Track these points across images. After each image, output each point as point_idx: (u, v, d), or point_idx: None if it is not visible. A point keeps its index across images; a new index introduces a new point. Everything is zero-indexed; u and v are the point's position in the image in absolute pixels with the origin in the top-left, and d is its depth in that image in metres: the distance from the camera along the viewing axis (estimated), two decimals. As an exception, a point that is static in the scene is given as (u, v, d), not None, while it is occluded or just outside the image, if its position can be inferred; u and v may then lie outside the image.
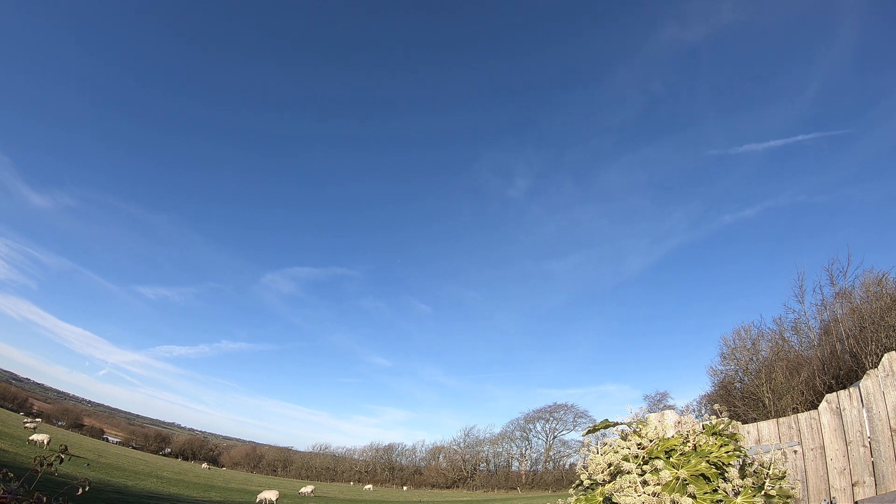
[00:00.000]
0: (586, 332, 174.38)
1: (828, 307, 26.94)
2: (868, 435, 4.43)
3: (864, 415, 4.48)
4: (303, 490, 43.89)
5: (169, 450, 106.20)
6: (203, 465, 77.21)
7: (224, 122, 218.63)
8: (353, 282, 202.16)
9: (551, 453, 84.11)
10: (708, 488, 2.53)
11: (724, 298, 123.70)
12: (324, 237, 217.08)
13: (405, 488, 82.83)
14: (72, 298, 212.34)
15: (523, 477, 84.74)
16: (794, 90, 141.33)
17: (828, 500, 4.52)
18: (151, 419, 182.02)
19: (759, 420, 14.34)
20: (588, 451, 3.21)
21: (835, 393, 4.81)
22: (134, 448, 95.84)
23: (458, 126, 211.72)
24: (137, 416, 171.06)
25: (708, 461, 2.66)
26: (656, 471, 2.66)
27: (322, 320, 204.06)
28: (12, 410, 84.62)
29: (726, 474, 2.57)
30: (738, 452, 2.69)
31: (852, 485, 4.42)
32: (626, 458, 2.87)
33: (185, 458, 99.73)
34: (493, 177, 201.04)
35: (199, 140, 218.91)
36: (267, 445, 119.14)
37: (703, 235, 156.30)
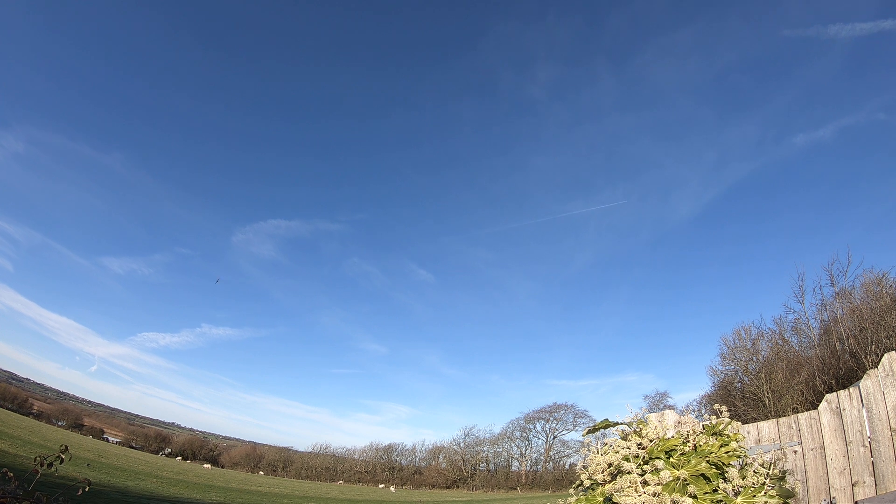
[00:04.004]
0: (614, 304, 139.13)
1: (828, 307, 26.96)
2: (868, 435, 4.42)
3: (864, 415, 4.48)
4: None
5: (169, 450, 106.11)
6: (208, 466, 77.11)
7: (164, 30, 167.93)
8: (340, 239, 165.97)
9: (551, 453, 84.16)
10: (708, 488, 2.53)
11: (724, 298, 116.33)
12: (298, 164, 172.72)
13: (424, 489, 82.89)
14: (48, 280, 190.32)
15: (523, 477, 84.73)
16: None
17: (828, 500, 4.52)
18: (151, 419, 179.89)
19: (759, 420, 14.33)
20: (588, 451, 3.20)
21: (835, 393, 4.81)
22: (134, 448, 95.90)
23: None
24: (137, 415, 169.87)
25: (708, 461, 2.66)
26: (656, 471, 2.66)
27: (308, 295, 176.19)
28: (12, 410, 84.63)
29: (726, 474, 2.57)
30: (738, 452, 2.69)
31: (852, 485, 4.41)
32: (626, 458, 2.87)
33: (185, 458, 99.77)
34: (505, 66, 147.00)
35: (147, 62, 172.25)
36: (267, 445, 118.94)
37: (768, 164, 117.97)
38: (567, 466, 78.84)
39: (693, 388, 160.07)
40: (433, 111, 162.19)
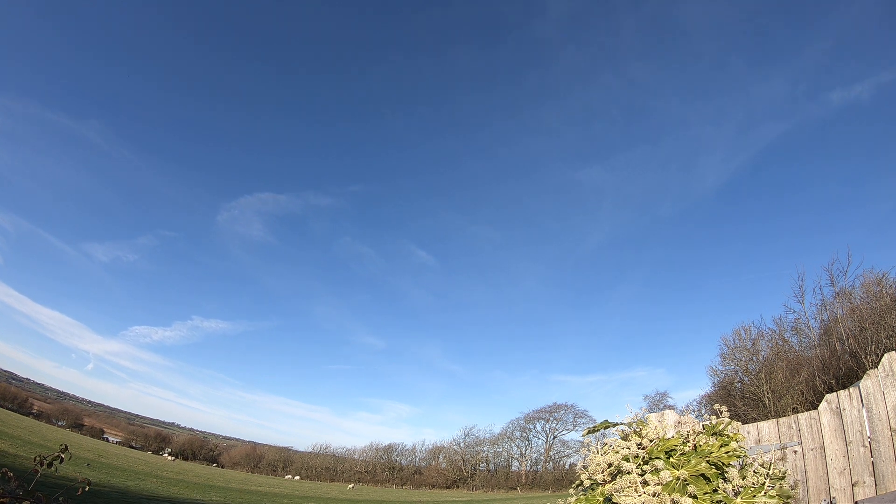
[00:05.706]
0: (620, 300, 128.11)
1: (828, 307, 26.94)
2: (868, 435, 4.42)
3: (864, 415, 4.48)
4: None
5: (169, 450, 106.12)
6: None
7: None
8: (332, 215, 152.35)
9: (551, 453, 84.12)
10: (708, 488, 2.53)
11: (724, 298, 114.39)
12: (286, 129, 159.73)
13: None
14: (37, 272, 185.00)
15: (523, 477, 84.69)
16: None
17: (828, 500, 4.52)
18: (151, 419, 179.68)
19: (759, 420, 14.35)
20: (588, 451, 3.20)
21: (835, 393, 4.81)
22: (134, 448, 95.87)
23: None
24: (137, 415, 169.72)
25: (708, 461, 2.66)
26: (656, 471, 2.66)
27: (300, 281, 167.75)
28: (12, 410, 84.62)
29: (726, 474, 2.56)
30: (738, 452, 2.69)
31: (852, 485, 4.41)
32: (626, 458, 2.87)
33: (186, 458, 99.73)
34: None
35: (120, 31, 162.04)
36: (267, 445, 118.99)
37: (801, 124, 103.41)
38: (567, 466, 78.86)
39: (693, 387, 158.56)
40: (430, 57, 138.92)
